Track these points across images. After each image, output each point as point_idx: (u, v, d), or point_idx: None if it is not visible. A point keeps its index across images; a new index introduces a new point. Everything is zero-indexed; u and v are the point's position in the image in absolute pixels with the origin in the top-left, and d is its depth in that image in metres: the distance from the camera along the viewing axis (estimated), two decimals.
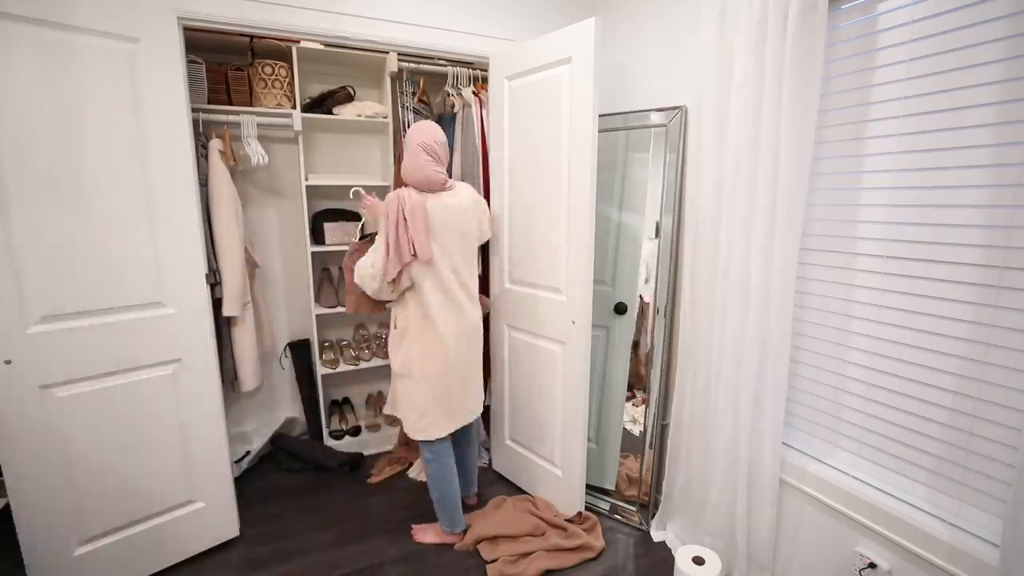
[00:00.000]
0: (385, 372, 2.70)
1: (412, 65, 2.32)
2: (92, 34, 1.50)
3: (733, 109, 1.59)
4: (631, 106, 2.14)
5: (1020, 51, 1.11)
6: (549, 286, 2.04)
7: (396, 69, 2.25)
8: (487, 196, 2.32)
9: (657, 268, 2.03)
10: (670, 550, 1.96)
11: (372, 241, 1.82)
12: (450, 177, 1.90)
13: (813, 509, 1.58)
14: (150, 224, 1.64)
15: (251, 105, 2.25)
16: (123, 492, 1.69)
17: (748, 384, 1.61)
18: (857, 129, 1.43)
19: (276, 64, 2.24)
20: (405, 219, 1.66)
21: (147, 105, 1.61)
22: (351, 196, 1.85)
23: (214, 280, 2.03)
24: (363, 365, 2.60)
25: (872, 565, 1.40)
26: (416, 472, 2.44)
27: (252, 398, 2.59)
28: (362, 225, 2.12)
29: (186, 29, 1.80)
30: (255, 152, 2.21)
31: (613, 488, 2.20)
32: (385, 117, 2.42)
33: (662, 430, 2.07)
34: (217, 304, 2.05)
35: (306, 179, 2.34)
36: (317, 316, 2.47)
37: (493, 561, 1.86)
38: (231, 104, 2.21)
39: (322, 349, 2.60)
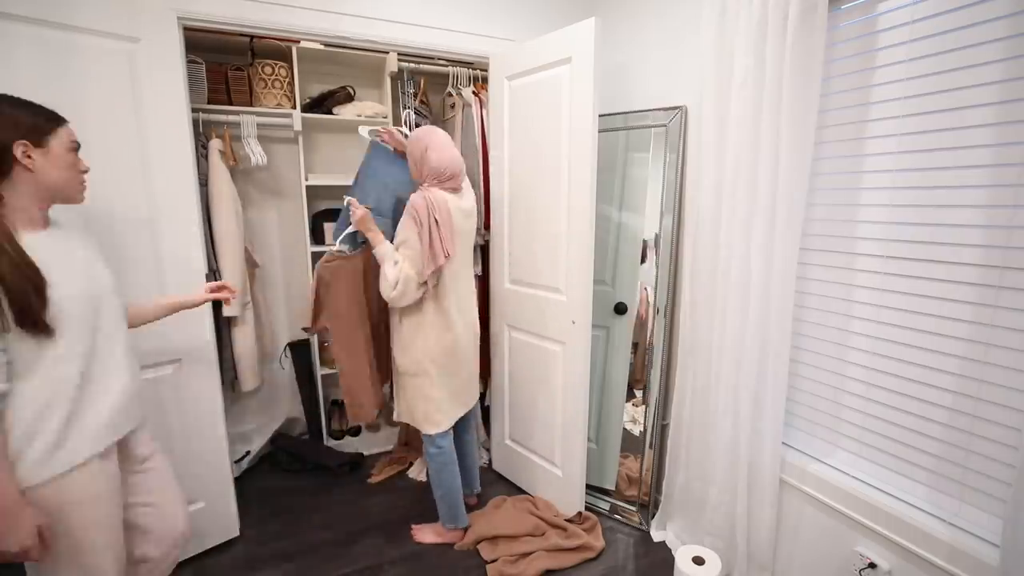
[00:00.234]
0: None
1: (412, 65, 2.32)
2: (92, 34, 1.50)
3: (733, 109, 1.59)
4: (631, 106, 2.14)
5: (1020, 51, 1.11)
6: (549, 286, 2.04)
7: (396, 69, 2.25)
8: (487, 196, 2.32)
9: (657, 268, 2.03)
10: (670, 550, 1.96)
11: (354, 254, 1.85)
12: None
13: (813, 509, 1.58)
14: (150, 224, 1.64)
15: (251, 105, 2.25)
16: None
17: (748, 384, 1.61)
18: (857, 129, 1.43)
19: (276, 64, 2.24)
20: (436, 221, 1.63)
21: (147, 105, 1.61)
22: (344, 204, 1.80)
23: (214, 280, 2.03)
24: None
25: (872, 565, 1.40)
26: (416, 472, 2.44)
27: (252, 398, 2.59)
28: (350, 235, 1.85)
29: (186, 29, 1.80)
30: (254, 152, 2.22)
31: (613, 488, 2.20)
32: (385, 117, 2.42)
33: (662, 430, 2.07)
34: (217, 304, 2.05)
35: (306, 179, 2.34)
36: None
37: (493, 561, 1.86)
38: (231, 104, 2.21)
39: (322, 349, 2.60)
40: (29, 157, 1.00)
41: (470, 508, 2.17)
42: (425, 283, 1.69)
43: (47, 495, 1.01)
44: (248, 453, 2.43)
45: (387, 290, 1.66)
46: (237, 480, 2.10)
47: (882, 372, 1.42)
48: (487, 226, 2.35)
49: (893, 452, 1.42)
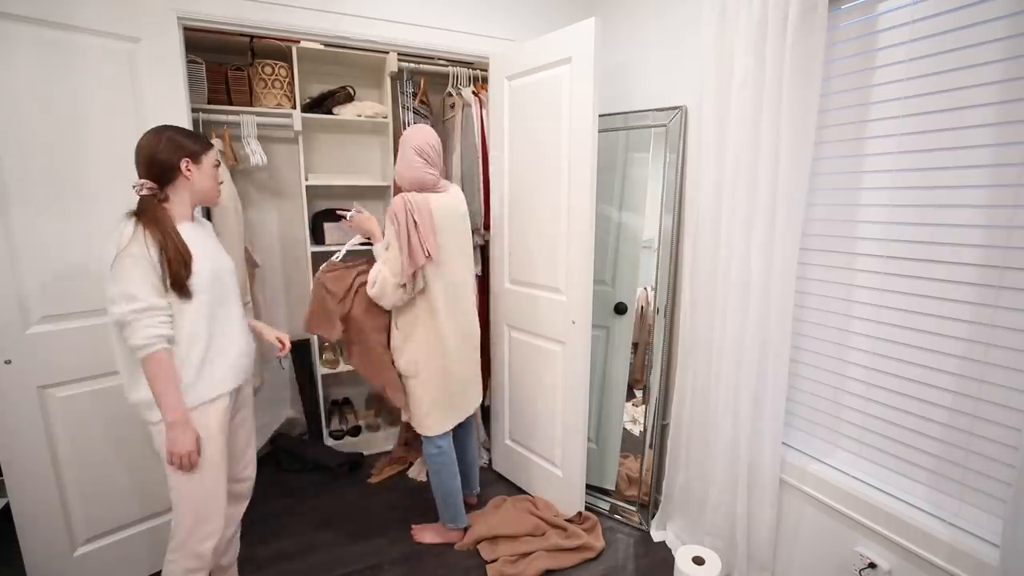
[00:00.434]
0: None
1: (412, 65, 2.32)
2: (93, 34, 1.50)
3: (733, 109, 1.59)
4: (631, 106, 2.14)
5: (1020, 51, 1.11)
6: (549, 286, 2.04)
7: (396, 69, 2.25)
8: (487, 196, 2.32)
9: (657, 268, 2.03)
10: (670, 550, 1.96)
11: (356, 263, 1.85)
12: (448, 179, 1.90)
13: (813, 509, 1.58)
14: None
15: (251, 105, 2.25)
16: (123, 492, 1.69)
17: (748, 384, 1.61)
18: (857, 129, 1.43)
19: (276, 64, 2.24)
20: (415, 221, 1.66)
21: (147, 105, 1.61)
22: (348, 219, 1.84)
23: None
24: None
25: (872, 565, 1.40)
26: (416, 472, 2.44)
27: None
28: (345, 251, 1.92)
29: (186, 29, 1.81)
30: (254, 152, 2.22)
31: (613, 488, 2.20)
32: (385, 117, 2.42)
33: (662, 430, 2.07)
34: None
35: (306, 179, 2.34)
36: None
37: (493, 561, 1.86)
38: (231, 104, 2.21)
39: (322, 349, 2.60)
40: (189, 171, 1.32)
41: (470, 508, 2.17)
42: (405, 285, 1.69)
43: (192, 418, 1.30)
44: None
45: (368, 287, 1.74)
46: None
47: (882, 372, 1.42)
48: (487, 226, 2.35)
49: (893, 452, 1.42)
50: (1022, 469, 1.04)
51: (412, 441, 2.58)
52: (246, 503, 1.62)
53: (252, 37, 2.07)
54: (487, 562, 1.87)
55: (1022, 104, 1.12)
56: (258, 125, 2.23)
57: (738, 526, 1.70)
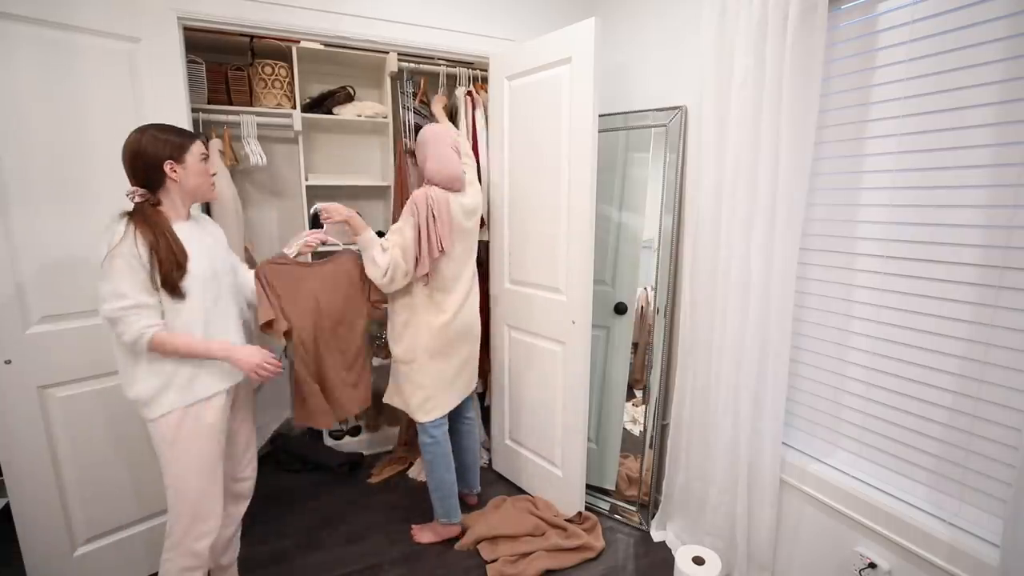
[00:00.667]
0: (385, 372, 2.70)
1: (412, 65, 2.32)
2: (93, 34, 1.50)
3: (733, 109, 1.59)
4: (631, 106, 2.14)
5: (1020, 51, 1.11)
6: (549, 286, 2.04)
7: (396, 69, 2.25)
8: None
9: (657, 268, 2.03)
10: (670, 550, 1.96)
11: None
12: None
13: (813, 509, 1.58)
14: None
15: (251, 105, 2.25)
16: (123, 492, 1.69)
17: (748, 384, 1.61)
18: (857, 129, 1.43)
19: (276, 64, 2.24)
20: (434, 216, 1.71)
21: (148, 105, 1.61)
22: (318, 212, 1.76)
23: None
24: None
25: (872, 565, 1.40)
26: (416, 472, 2.44)
27: None
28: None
29: (186, 29, 1.81)
30: (254, 152, 2.21)
31: (613, 488, 2.20)
32: (385, 117, 2.42)
33: (662, 430, 2.07)
34: None
35: (306, 179, 2.34)
36: None
37: (493, 561, 1.86)
38: (231, 104, 2.21)
39: None
40: (174, 171, 1.30)
41: (470, 508, 2.17)
42: (416, 273, 1.74)
43: (186, 419, 1.31)
44: None
45: (377, 276, 1.72)
46: None
47: (882, 372, 1.42)
48: (482, 224, 2.35)
49: (893, 452, 1.42)
50: (1022, 469, 1.04)
51: (412, 441, 2.58)
52: (247, 503, 1.62)
53: (252, 37, 2.07)
54: (487, 562, 1.87)
55: (1022, 104, 1.12)
56: (258, 125, 2.23)
57: (738, 526, 1.70)
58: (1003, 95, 1.14)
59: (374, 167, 2.70)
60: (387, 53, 2.22)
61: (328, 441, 2.58)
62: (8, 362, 1.45)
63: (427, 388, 1.86)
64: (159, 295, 1.26)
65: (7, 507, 1.56)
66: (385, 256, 1.71)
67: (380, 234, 1.83)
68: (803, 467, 1.59)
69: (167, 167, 1.29)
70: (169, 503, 1.35)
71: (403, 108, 2.37)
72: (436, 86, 2.39)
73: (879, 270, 1.40)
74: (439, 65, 2.35)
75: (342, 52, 2.20)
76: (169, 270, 1.24)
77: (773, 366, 1.56)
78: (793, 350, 1.59)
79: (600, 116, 1.83)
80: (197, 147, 1.35)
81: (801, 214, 1.47)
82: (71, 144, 1.49)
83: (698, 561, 1.65)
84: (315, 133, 2.55)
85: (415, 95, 2.41)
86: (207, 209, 2.05)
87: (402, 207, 1.82)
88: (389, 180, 2.48)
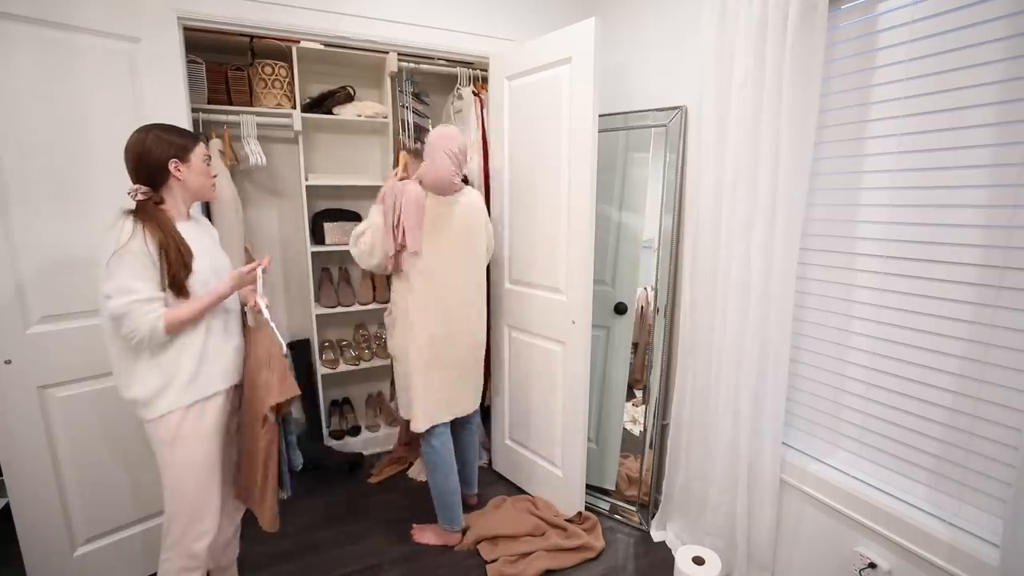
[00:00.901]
0: (385, 372, 2.71)
1: (412, 65, 2.32)
2: (93, 34, 1.50)
3: (733, 109, 1.59)
4: (631, 106, 2.14)
5: (1020, 51, 1.11)
6: (549, 286, 2.04)
7: (396, 69, 2.25)
8: (487, 196, 2.32)
9: (657, 268, 2.03)
10: (670, 550, 1.96)
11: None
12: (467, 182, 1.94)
13: (813, 509, 1.58)
14: None
15: (251, 105, 2.25)
16: (122, 492, 1.69)
17: (748, 384, 1.61)
18: (857, 129, 1.43)
19: (276, 64, 2.24)
20: (400, 209, 1.74)
21: (148, 105, 1.61)
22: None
23: None
24: (363, 365, 2.60)
25: (872, 565, 1.40)
26: (416, 472, 2.44)
27: None
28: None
29: (186, 29, 1.81)
30: (254, 152, 2.21)
31: (613, 488, 2.20)
32: (385, 117, 2.42)
33: (662, 430, 2.07)
34: None
35: (306, 179, 2.34)
36: (317, 316, 2.47)
37: (493, 561, 1.86)
38: (231, 104, 2.20)
39: (322, 349, 2.60)
40: (179, 170, 1.30)
41: (470, 508, 2.17)
42: (392, 258, 1.80)
43: (186, 420, 1.31)
44: None
45: (352, 243, 1.86)
46: None
47: (882, 372, 1.42)
48: None
49: (893, 452, 1.42)
50: (1022, 469, 1.04)
51: (412, 441, 2.58)
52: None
53: (252, 37, 2.07)
54: (487, 562, 1.87)
55: (1022, 104, 1.12)
56: (258, 125, 2.23)
57: (738, 526, 1.70)
58: (1003, 95, 1.14)
59: (374, 167, 2.70)
60: (387, 53, 2.22)
61: (328, 441, 2.58)
62: (8, 362, 1.45)
63: (413, 389, 1.85)
64: (165, 294, 1.26)
65: (7, 507, 1.56)
66: (362, 226, 1.84)
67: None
68: (803, 467, 1.59)
69: (172, 165, 1.29)
70: (167, 503, 1.34)
71: (403, 108, 2.37)
72: (437, 86, 2.39)
73: (879, 270, 1.40)
74: (439, 65, 2.35)
75: (342, 52, 2.20)
76: (177, 270, 1.25)
77: (773, 366, 1.56)
78: (793, 350, 1.59)
79: (600, 116, 1.83)
80: (201, 148, 1.36)
81: (801, 214, 1.47)
82: (71, 144, 1.49)
83: (698, 561, 1.65)
84: (315, 133, 2.55)
85: (415, 95, 2.41)
86: (207, 209, 2.05)
87: None
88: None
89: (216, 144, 2.11)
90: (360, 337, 2.73)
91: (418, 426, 1.86)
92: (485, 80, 2.31)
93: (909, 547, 1.32)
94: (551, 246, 2.00)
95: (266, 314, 1.39)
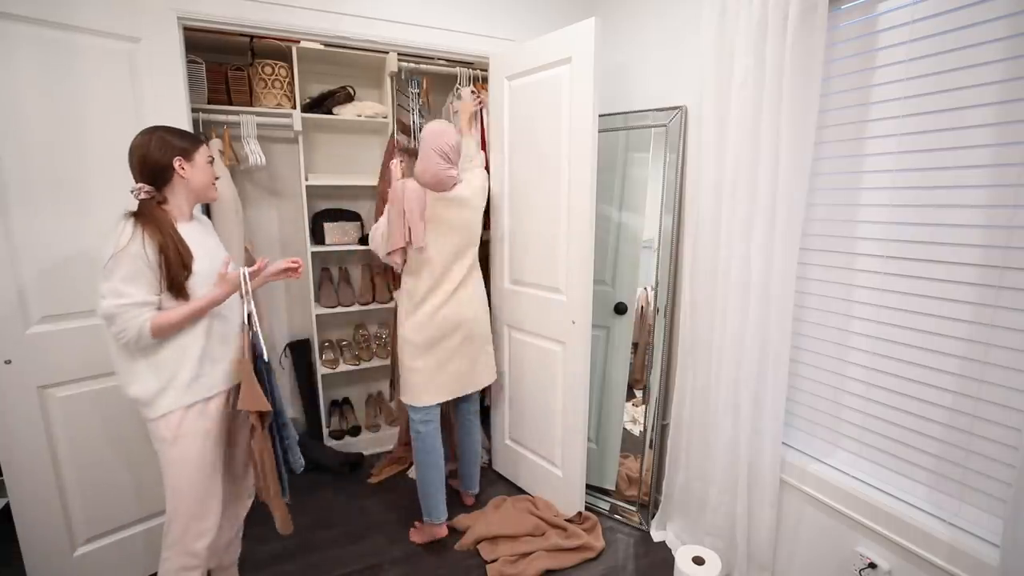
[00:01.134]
0: (385, 372, 2.71)
1: (412, 65, 2.32)
2: (93, 34, 1.50)
3: (733, 109, 1.59)
4: (631, 106, 2.14)
5: (1020, 51, 1.11)
6: (549, 286, 2.04)
7: (396, 69, 2.25)
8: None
9: (657, 268, 2.03)
10: (670, 550, 1.96)
11: None
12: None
13: (813, 509, 1.58)
14: None
15: (251, 105, 2.25)
16: (122, 492, 1.69)
17: (748, 384, 1.61)
18: (857, 129, 1.43)
19: (276, 64, 2.24)
20: (404, 209, 1.78)
21: (148, 105, 1.61)
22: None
23: None
24: (363, 365, 2.60)
25: (872, 565, 1.40)
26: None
27: None
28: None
29: (186, 29, 1.81)
30: (254, 152, 2.21)
31: (613, 488, 2.20)
32: (385, 117, 2.42)
33: (662, 430, 2.07)
34: None
35: (306, 179, 2.34)
36: (317, 316, 2.47)
37: (493, 561, 1.86)
38: (231, 104, 2.20)
39: (322, 349, 2.60)
40: (183, 169, 1.32)
41: (469, 508, 2.17)
42: (395, 253, 1.85)
43: (187, 419, 1.31)
44: None
45: (371, 237, 1.97)
46: None
47: (882, 372, 1.42)
48: (486, 226, 2.35)
49: (893, 452, 1.42)
50: (1022, 469, 1.04)
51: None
52: (250, 502, 1.62)
53: (252, 37, 2.07)
54: (487, 562, 1.87)
55: (1022, 104, 1.12)
56: (258, 125, 2.23)
57: (738, 526, 1.70)
58: (1003, 95, 1.14)
59: (374, 167, 2.69)
60: (387, 53, 2.22)
61: (328, 441, 2.58)
62: (8, 362, 1.45)
63: (411, 370, 1.90)
64: (160, 297, 1.26)
65: (7, 507, 1.56)
66: (378, 224, 1.92)
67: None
68: (803, 467, 1.59)
69: (176, 164, 1.30)
70: (168, 502, 1.35)
71: (407, 110, 2.37)
72: (436, 86, 2.39)
73: (879, 270, 1.40)
74: (439, 65, 2.35)
75: (342, 52, 2.20)
76: (176, 273, 1.26)
77: (773, 366, 1.56)
78: (793, 350, 1.59)
79: (600, 116, 1.83)
80: (204, 150, 1.39)
81: (801, 214, 1.47)
82: (71, 144, 1.49)
83: (698, 561, 1.65)
84: (315, 133, 2.55)
85: (417, 95, 2.41)
86: (207, 210, 2.05)
87: (383, 201, 2.03)
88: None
89: (216, 144, 2.11)
90: (360, 337, 2.73)
91: (406, 398, 1.92)
92: (485, 80, 2.31)
93: (909, 547, 1.32)
94: (551, 246, 2.00)
95: (247, 322, 1.40)
